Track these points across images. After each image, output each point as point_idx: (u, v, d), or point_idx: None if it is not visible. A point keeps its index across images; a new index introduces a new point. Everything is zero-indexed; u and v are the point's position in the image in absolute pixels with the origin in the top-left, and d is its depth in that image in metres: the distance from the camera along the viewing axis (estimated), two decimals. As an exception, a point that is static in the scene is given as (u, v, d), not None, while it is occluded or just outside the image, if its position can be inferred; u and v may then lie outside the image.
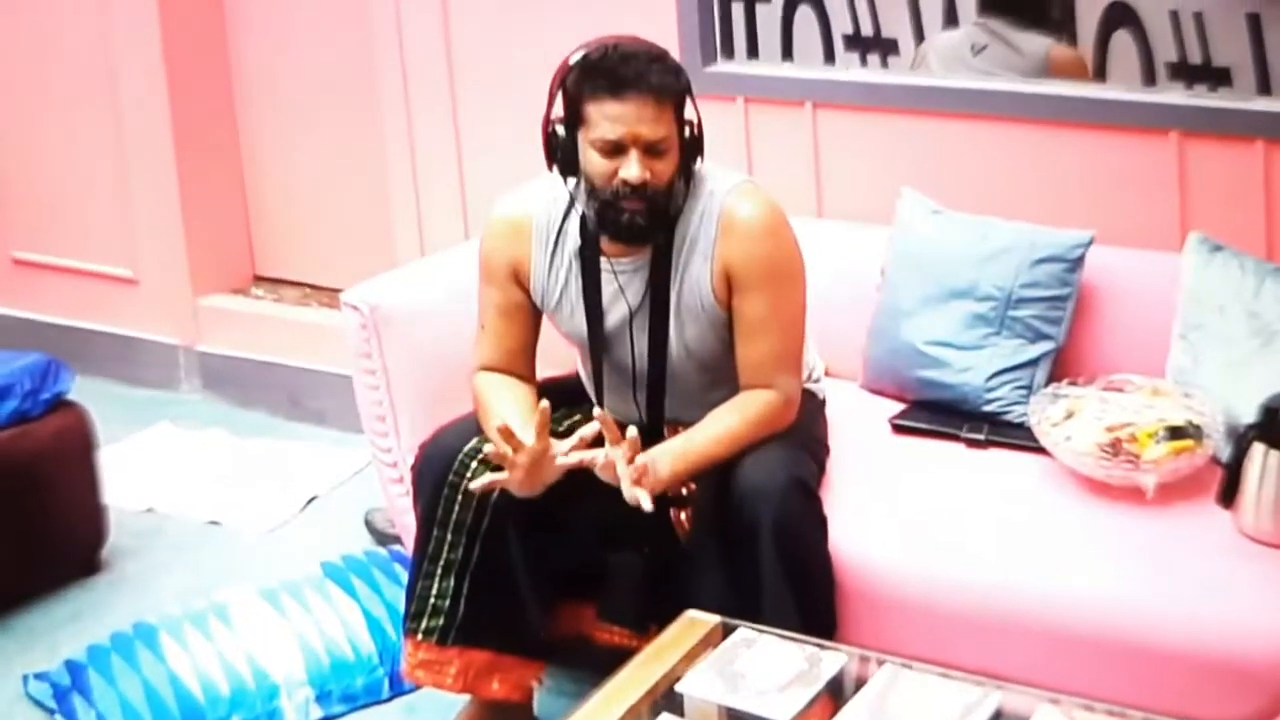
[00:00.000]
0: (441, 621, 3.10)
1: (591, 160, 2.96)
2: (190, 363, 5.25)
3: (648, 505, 2.83)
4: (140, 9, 4.97)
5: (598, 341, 3.14)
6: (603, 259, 3.10)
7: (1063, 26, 3.64)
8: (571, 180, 3.06)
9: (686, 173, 3.04)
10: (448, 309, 3.57)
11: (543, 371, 3.29)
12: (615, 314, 3.12)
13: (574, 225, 3.11)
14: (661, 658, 2.65)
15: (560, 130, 3.01)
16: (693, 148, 3.03)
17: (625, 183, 2.93)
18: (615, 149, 2.93)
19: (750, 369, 3.06)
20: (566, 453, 2.92)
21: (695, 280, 3.06)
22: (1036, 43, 3.70)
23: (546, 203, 3.15)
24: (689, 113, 3.02)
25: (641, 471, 2.85)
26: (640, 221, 2.97)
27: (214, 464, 4.73)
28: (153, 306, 5.28)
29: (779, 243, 3.07)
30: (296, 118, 5.09)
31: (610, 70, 2.92)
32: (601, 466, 2.89)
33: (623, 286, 3.10)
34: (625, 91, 2.90)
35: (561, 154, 3.02)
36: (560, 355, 3.35)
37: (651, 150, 2.93)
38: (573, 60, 2.98)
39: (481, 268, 3.21)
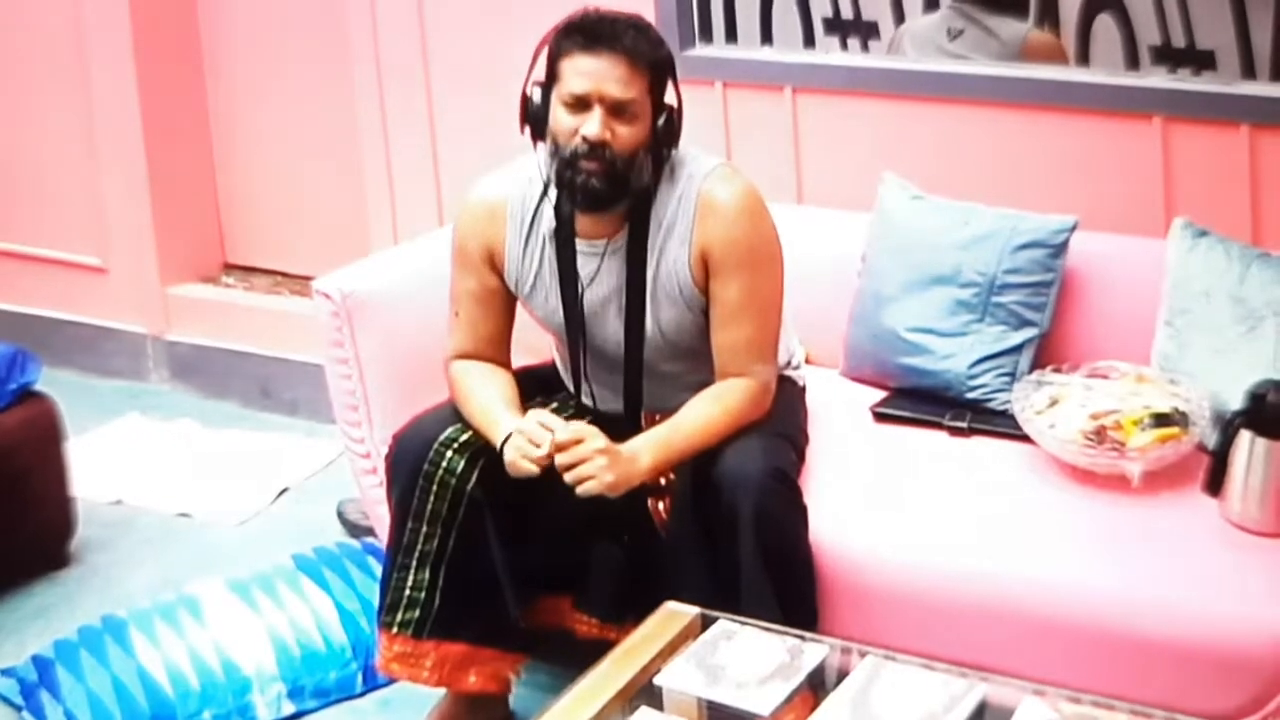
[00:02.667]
0: (417, 614, 3.06)
1: (558, 117, 2.94)
2: (159, 353, 5.20)
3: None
4: (110, -5, 4.93)
5: (574, 326, 3.10)
6: (577, 240, 3.06)
7: (1044, 10, 3.60)
8: (542, 148, 3.02)
9: (657, 152, 3.00)
10: (421, 297, 3.53)
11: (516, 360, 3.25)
12: (591, 297, 3.08)
13: (549, 207, 3.07)
14: (640, 650, 2.62)
15: (536, 93, 3.00)
16: (668, 129, 3.00)
17: (585, 139, 2.89)
18: (580, 104, 2.91)
19: (726, 355, 3.03)
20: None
21: (672, 264, 3.02)
22: (1013, 28, 3.67)
23: (522, 185, 3.11)
24: (670, 97, 2.99)
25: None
26: (595, 184, 2.93)
27: (184, 455, 4.69)
28: (122, 296, 5.24)
29: (757, 226, 3.04)
30: (268, 104, 5.05)
31: (587, 27, 2.92)
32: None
33: (598, 269, 3.06)
34: (597, 47, 2.89)
35: (533, 115, 3.00)
36: (531, 343, 3.31)
37: (616, 110, 2.90)
38: (559, 25, 2.98)
39: (455, 253, 3.16)
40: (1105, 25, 3.54)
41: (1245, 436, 2.96)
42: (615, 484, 2.86)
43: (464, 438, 3.02)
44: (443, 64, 4.39)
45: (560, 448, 2.85)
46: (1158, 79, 3.50)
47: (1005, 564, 2.91)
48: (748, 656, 2.52)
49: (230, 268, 5.29)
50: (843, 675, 2.51)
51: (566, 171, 2.94)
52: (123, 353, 5.26)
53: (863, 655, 2.55)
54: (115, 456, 4.67)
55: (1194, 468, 3.08)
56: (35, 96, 5.22)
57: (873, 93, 3.81)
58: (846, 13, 3.81)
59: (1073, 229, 3.41)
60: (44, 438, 3.94)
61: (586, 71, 2.89)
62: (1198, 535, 2.95)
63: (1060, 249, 3.42)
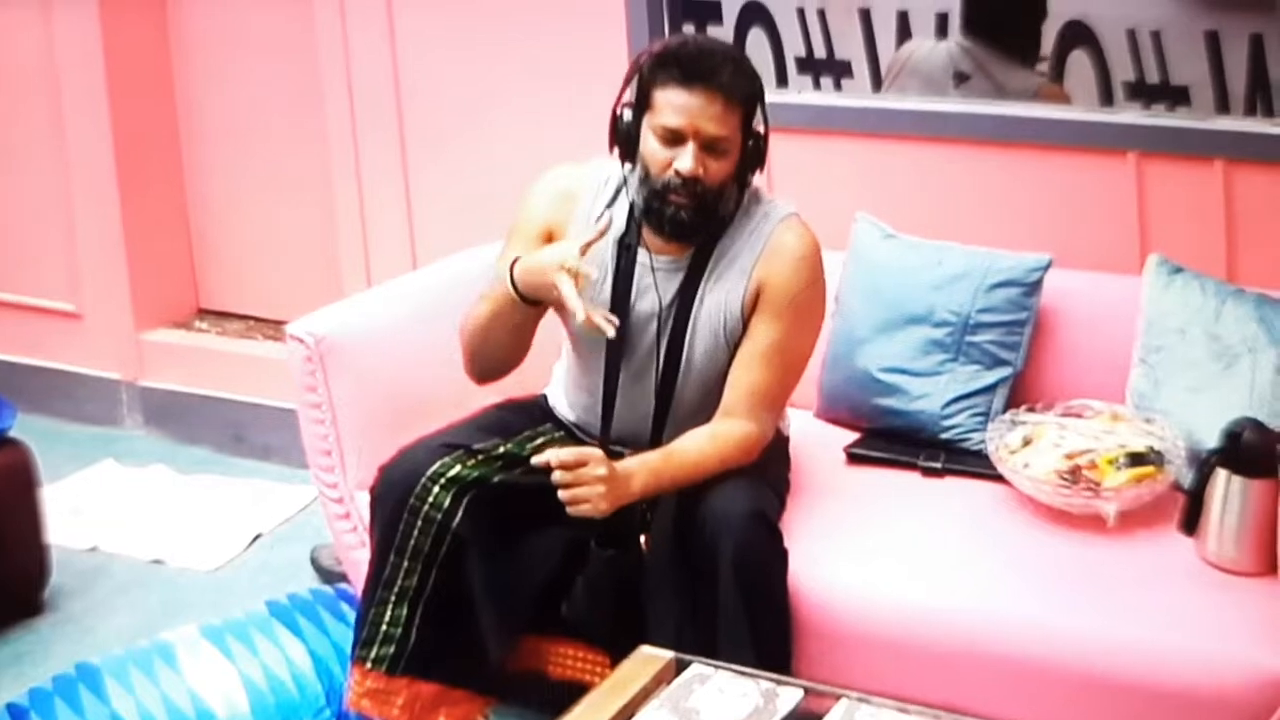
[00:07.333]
0: (392, 650, 3.03)
1: (649, 147, 2.97)
2: (133, 398, 5.18)
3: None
4: (84, 41, 4.92)
5: (616, 336, 3.06)
6: (641, 251, 3.08)
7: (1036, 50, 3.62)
8: (628, 166, 3.05)
9: (742, 180, 3.04)
10: (395, 340, 3.52)
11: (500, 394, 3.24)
12: (640, 311, 3.10)
13: (621, 212, 3.10)
14: (615, 694, 2.59)
15: (627, 115, 3.02)
16: (754, 157, 3.03)
17: (677, 173, 2.93)
18: (674, 138, 2.94)
19: (738, 395, 3.04)
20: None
21: (725, 294, 3.06)
22: (1020, 80, 3.66)
23: (596, 183, 3.15)
24: (758, 123, 3.02)
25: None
26: (684, 217, 2.97)
27: (158, 501, 4.66)
28: (95, 341, 5.21)
29: (815, 281, 3.09)
30: (241, 149, 5.04)
31: (685, 60, 2.95)
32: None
33: (653, 284, 3.09)
34: (695, 83, 2.92)
35: (624, 137, 3.03)
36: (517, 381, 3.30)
37: (710, 147, 2.94)
38: (654, 49, 3.01)
39: (515, 225, 3.16)
40: (1079, 61, 3.54)
41: (1221, 475, 2.95)
42: (607, 510, 2.86)
43: (451, 473, 2.99)
44: (415, 108, 4.38)
45: (563, 466, 2.84)
46: (1132, 115, 3.51)
47: (980, 605, 2.90)
48: (722, 700, 2.51)
49: (204, 313, 5.28)
50: (817, 719, 2.49)
51: (655, 201, 2.98)
52: (97, 398, 5.23)
53: (837, 698, 2.53)
54: (90, 503, 4.64)
55: (1170, 507, 3.07)
56: (8, 142, 5.21)
57: (846, 132, 3.82)
58: (819, 52, 3.82)
59: (1047, 267, 3.41)
60: (18, 484, 3.91)
61: (682, 106, 2.92)
62: (1174, 575, 2.94)
63: (1034, 287, 3.41)
